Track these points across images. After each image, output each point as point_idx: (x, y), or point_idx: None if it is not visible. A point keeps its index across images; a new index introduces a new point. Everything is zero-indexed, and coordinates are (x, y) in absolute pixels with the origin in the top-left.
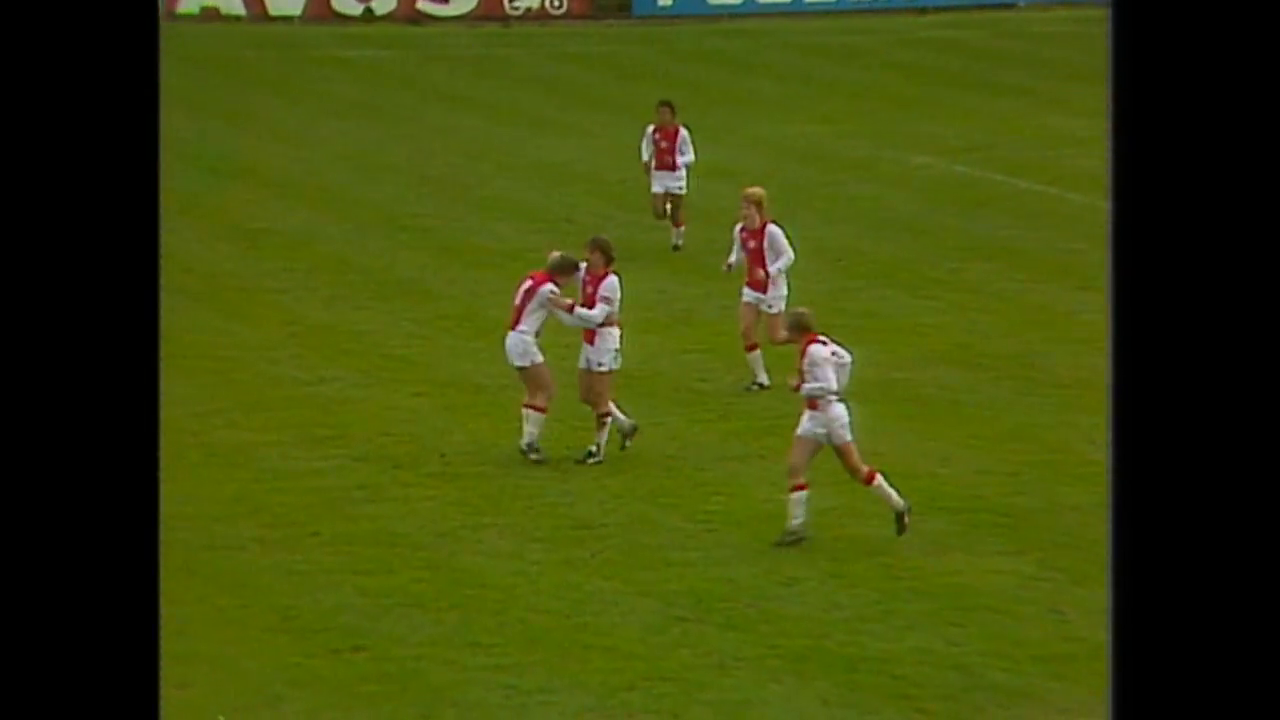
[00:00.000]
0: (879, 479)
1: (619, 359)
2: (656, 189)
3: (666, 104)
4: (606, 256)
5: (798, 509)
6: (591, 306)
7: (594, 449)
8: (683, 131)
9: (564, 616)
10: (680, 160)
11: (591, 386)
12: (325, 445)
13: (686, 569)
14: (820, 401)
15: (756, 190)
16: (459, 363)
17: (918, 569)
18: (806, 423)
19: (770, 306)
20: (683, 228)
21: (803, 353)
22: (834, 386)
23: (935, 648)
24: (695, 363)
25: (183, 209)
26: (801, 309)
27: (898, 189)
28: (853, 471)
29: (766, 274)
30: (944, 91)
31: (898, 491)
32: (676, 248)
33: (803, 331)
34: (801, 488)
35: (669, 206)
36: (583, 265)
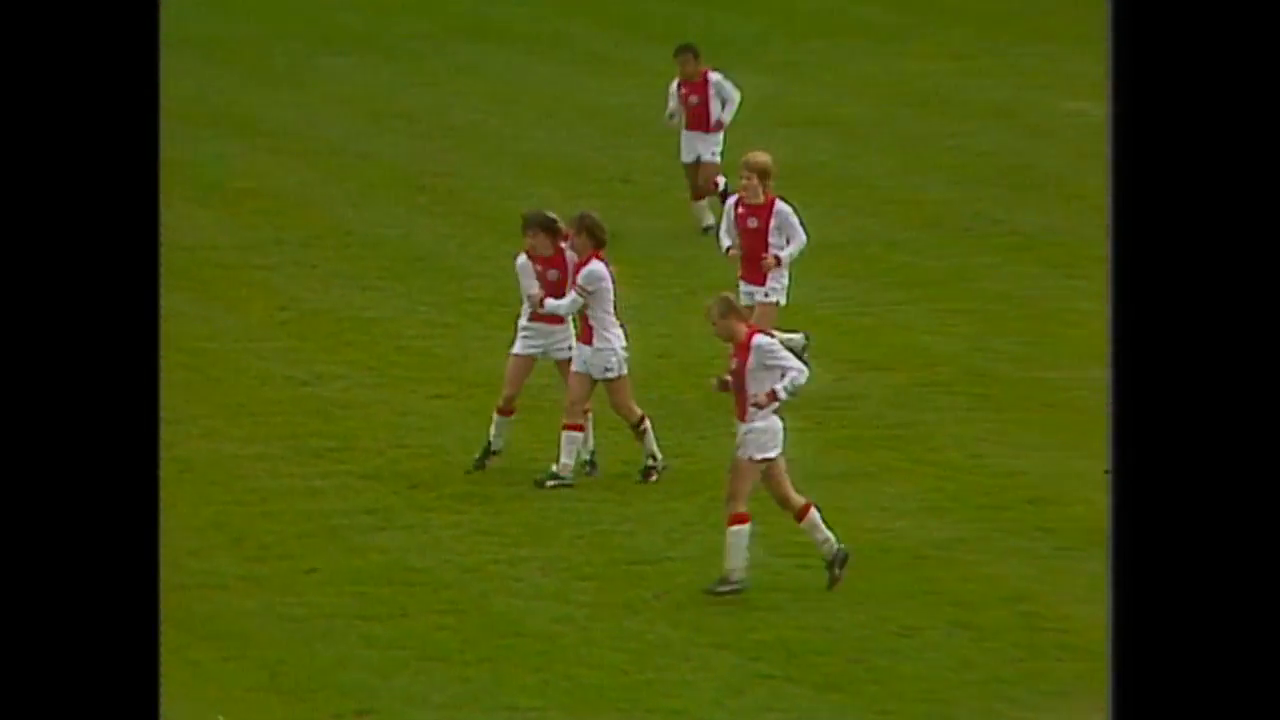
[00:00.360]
0: (742, 528)
1: (626, 362)
2: (686, 158)
3: (686, 49)
4: (594, 239)
5: (819, 537)
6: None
7: (651, 461)
8: (713, 77)
9: (621, 673)
10: (718, 116)
11: (609, 397)
12: (325, 459)
13: (774, 614)
14: (763, 407)
15: (761, 156)
16: (489, 357)
17: (1068, 620)
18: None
19: (767, 295)
20: (706, 201)
21: (745, 348)
22: (805, 372)
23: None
24: None
25: None
26: (729, 294)
27: (1044, 141)
28: (730, 498)
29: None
30: (1104, 18)
31: (746, 562)
32: (707, 230)
33: (738, 319)
34: (805, 511)
35: (701, 177)
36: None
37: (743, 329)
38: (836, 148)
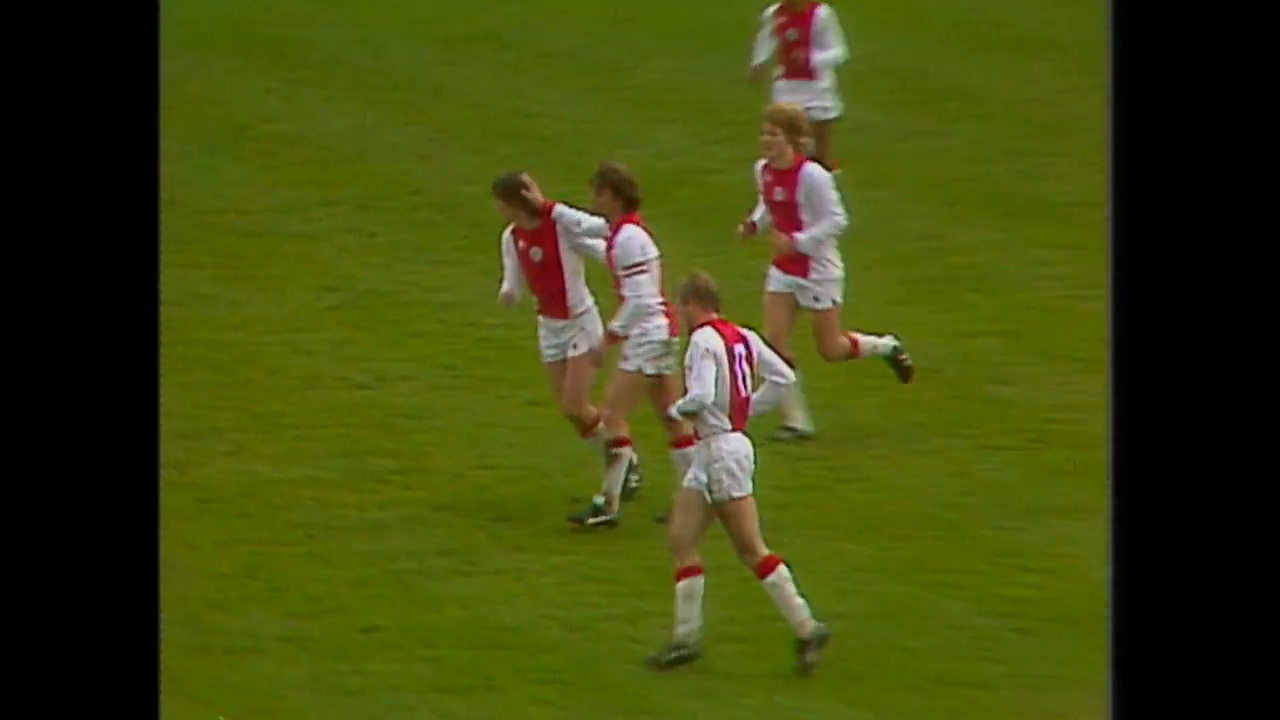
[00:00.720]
0: (778, 571)
1: (663, 359)
2: None
3: None
4: (623, 196)
5: (688, 608)
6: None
7: (600, 499)
8: (820, 12)
9: None
10: (817, 58)
11: (609, 387)
12: (388, 485)
13: (983, 693)
14: (701, 427)
15: (787, 106)
16: None
17: None
18: (692, 467)
19: (817, 300)
20: (836, 171)
21: None
22: (708, 398)
23: None
24: (987, 353)
25: None
26: (700, 274)
27: None
28: (742, 551)
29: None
30: None
31: (805, 605)
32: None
33: (701, 306)
34: (690, 572)
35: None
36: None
37: (704, 318)
38: (1056, 79)
